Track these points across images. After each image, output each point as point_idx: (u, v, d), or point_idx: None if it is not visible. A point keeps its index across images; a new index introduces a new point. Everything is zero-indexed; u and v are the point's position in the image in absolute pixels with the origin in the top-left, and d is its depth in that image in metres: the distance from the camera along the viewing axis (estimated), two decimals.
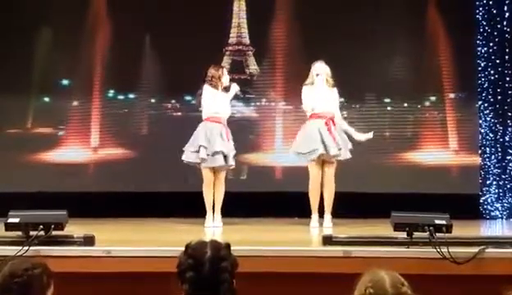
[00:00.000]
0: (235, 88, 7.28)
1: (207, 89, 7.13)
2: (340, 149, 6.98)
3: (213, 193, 7.11)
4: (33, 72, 8.57)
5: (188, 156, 7.10)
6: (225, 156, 7.02)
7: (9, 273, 2.78)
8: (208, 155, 6.99)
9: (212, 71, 7.17)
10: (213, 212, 7.13)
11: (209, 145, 7.00)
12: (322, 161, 7.05)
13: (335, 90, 7.17)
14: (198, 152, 7.01)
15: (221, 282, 2.61)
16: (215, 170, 7.10)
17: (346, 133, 7.18)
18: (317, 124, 7.02)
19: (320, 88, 7.05)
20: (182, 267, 2.64)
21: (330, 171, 7.05)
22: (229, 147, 7.07)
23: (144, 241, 5.72)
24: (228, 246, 2.72)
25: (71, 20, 8.40)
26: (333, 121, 7.06)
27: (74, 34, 8.46)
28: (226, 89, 7.24)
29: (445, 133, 8.65)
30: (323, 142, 6.94)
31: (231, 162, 7.13)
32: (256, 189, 8.24)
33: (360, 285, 2.69)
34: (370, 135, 7.24)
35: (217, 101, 7.11)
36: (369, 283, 2.66)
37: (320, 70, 7.08)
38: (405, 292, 2.66)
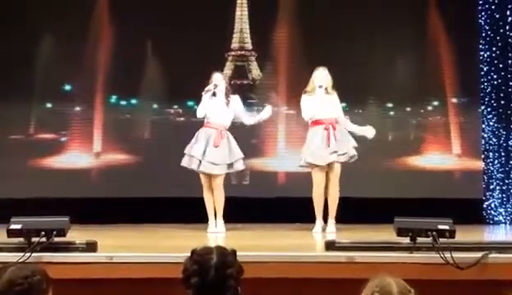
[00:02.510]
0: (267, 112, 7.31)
1: (203, 98, 7.14)
2: (334, 153, 6.97)
3: (213, 199, 7.11)
4: (35, 78, 8.57)
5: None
6: (212, 163, 7.00)
7: (8, 281, 2.76)
8: (200, 161, 7.00)
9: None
10: (215, 218, 7.12)
11: (198, 151, 7.00)
12: (325, 167, 7.05)
13: (334, 94, 7.16)
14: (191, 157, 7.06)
15: (226, 288, 2.60)
16: (211, 176, 7.09)
17: (353, 135, 7.18)
18: (317, 131, 7.06)
19: (319, 97, 7.06)
20: (187, 273, 2.63)
21: (333, 177, 7.05)
22: (217, 154, 7.03)
23: (146, 247, 5.71)
24: (234, 252, 2.71)
25: (73, 26, 8.40)
26: (333, 126, 7.06)
27: (76, 40, 8.45)
28: (227, 94, 7.23)
29: (448, 137, 8.64)
30: (316, 150, 6.97)
31: (218, 170, 7.06)
32: (259, 195, 8.22)
33: (367, 289, 2.69)
34: (371, 132, 7.23)
35: (211, 107, 7.10)
36: (376, 287, 2.67)
37: (322, 82, 7.10)
38: None
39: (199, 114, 7.15)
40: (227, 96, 7.19)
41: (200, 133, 7.14)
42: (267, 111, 7.36)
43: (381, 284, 2.67)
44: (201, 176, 7.10)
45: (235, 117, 7.27)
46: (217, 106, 7.12)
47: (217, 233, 6.96)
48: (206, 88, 7.12)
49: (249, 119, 7.37)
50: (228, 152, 7.10)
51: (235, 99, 7.26)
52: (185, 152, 7.15)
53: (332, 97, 7.16)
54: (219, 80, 7.19)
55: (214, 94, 7.13)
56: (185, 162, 7.14)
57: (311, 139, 7.07)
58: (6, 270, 2.82)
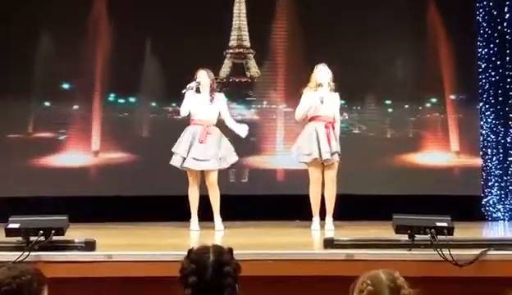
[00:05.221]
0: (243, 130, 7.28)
1: (186, 95, 7.13)
2: (333, 154, 6.97)
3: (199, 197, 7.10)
4: (34, 76, 8.55)
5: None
6: (196, 159, 6.98)
7: None
8: (184, 158, 6.99)
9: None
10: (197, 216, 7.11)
11: (182, 149, 6.99)
12: (322, 164, 7.05)
13: (336, 94, 7.17)
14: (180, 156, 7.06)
15: (224, 286, 2.60)
16: (204, 173, 7.08)
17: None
18: (316, 127, 7.04)
19: (322, 93, 7.04)
20: (185, 272, 2.63)
21: (330, 174, 7.05)
22: (203, 150, 7.00)
23: (144, 245, 5.71)
24: (231, 250, 2.71)
25: (72, 25, 8.39)
26: (333, 125, 7.07)
27: (75, 38, 8.44)
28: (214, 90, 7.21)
29: (446, 134, 8.64)
30: (318, 146, 6.96)
31: (207, 166, 7.03)
32: (257, 192, 8.23)
33: (358, 283, 2.74)
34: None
35: (196, 104, 7.09)
36: (366, 278, 2.73)
37: (323, 79, 7.08)
38: (402, 285, 2.70)
39: (183, 112, 7.13)
40: (212, 92, 7.18)
41: (186, 130, 7.13)
42: (242, 130, 7.31)
43: (370, 275, 2.74)
44: (188, 173, 7.07)
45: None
46: (202, 102, 7.11)
47: (217, 231, 6.96)
48: (188, 86, 7.12)
49: (229, 121, 7.29)
50: (217, 147, 7.06)
51: (220, 97, 7.25)
52: (172, 150, 7.14)
53: (334, 95, 7.14)
54: (202, 77, 7.18)
55: (198, 91, 7.13)
56: (172, 161, 7.13)
57: (311, 134, 7.04)
58: None
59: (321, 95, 7.00)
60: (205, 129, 7.05)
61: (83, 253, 4.88)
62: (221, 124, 7.26)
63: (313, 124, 7.09)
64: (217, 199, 7.09)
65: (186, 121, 7.25)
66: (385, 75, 8.59)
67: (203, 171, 7.07)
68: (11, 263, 3.64)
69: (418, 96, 8.71)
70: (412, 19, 8.57)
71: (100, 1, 8.66)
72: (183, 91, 7.11)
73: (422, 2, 8.61)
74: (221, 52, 8.75)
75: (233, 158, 7.18)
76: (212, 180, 7.07)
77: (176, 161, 7.08)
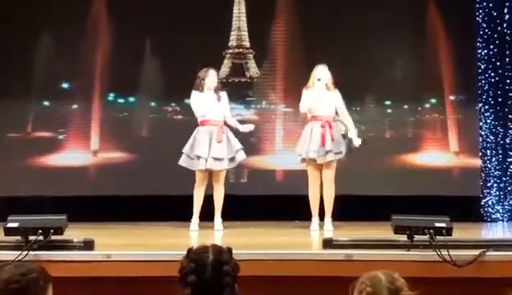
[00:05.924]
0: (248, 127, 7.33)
1: (193, 94, 7.14)
2: (327, 153, 6.97)
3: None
4: (34, 76, 8.56)
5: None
6: (217, 159, 6.98)
7: (4, 279, 2.76)
8: (192, 158, 7.00)
9: (198, 74, 7.18)
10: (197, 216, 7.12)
11: (203, 151, 6.98)
12: (320, 164, 7.05)
13: (336, 93, 7.16)
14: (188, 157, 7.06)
15: (223, 286, 2.60)
16: (211, 172, 7.08)
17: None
18: (312, 126, 7.07)
19: (319, 92, 7.05)
20: (184, 271, 2.63)
21: (328, 174, 7.04)
22: (220, 150, 7.01)
23: (143, 245, 5.71)
24: (230, 250, 2.72)
25: (72, 25, 8.40)
26: (330, 124, 7.06)
27: (75, 38, 8.45)
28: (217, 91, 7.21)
29: (445, 135, 8.64)
30: (309, 146, 6.96)
31: (223, 165, 7.05)
32: (256, 192, 8.22)
33: (357, 285, 2.75)
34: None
35: (204, 103, 7.09)
36: (365, 279, 2.74)
37: (321, 75, 7.09)
38: (401, 287, 2.70)
39: (200, 113, 7.10)
40: (217, 91, 7.18)
41: (200, 131, 7.09)
42: (247, 127, 7.34)
43: (370, 277, 2.75)
44: (198, 173, 7.07)
45: None
46: (211, 102, 7.11)
47: (216, 231, 6.96)
48: (209, 86, 7.10)
49: (231, 119, 7.31)
50: (229, 146, 7.09)
51: (224, 95, 7.26)
52: (183, 151, 7.11)
53: (333, 94, 7.15)
54: (213, 77, 7.18)
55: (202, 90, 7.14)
56: (184, 162, 7.09)
57: (306, 134, 7.08)
58: (2, 269, 2.82)
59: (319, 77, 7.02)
60: (220, 129, 7.06)
61: (82, 253, 4.88)
62: None
63: (310, 124, 7.13)
64: (221, 198, 7.10)
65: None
66: (385, 75, 8.59)
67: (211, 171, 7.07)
68: (11, 262, 3.65)
69: (417, 96, 8.71)
70: (412, 19, 8.58)
71: (100, 1, 8.66)
72: (198, 91, 7.11)
73: (422, 2, 8.61)
74: (220, 52, 8.75)
75: (241, 156, 7.17)
76: (221, 179, 7.10)
77: (199, 164, 6.99)
